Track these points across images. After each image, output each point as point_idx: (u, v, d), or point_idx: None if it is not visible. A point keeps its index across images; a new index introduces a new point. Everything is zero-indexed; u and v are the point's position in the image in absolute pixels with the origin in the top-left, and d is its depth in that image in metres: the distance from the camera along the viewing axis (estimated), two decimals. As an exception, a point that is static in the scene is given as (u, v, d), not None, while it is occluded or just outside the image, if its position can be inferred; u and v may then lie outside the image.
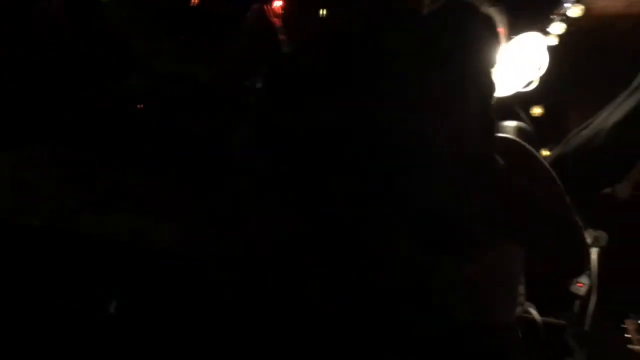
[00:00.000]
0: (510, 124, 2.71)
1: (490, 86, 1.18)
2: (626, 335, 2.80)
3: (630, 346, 2.77)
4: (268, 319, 1.17)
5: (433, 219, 1.08)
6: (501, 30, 1.22)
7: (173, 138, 2.01)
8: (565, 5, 2.93)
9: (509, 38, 1.60)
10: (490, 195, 1.11)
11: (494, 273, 1.22)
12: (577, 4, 2.93)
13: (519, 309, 1.60)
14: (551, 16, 2.95)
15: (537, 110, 3.23)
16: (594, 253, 2.84)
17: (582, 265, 1.40)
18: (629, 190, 2.99)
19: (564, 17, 2.97)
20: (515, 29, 2.62)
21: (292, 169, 1.17)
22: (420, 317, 1.13)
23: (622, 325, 2.83)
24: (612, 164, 2.50)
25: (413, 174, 1.09)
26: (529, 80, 2.68)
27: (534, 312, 2.53)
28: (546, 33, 2.93)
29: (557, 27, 2.97)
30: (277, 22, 2.25)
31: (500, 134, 1.28)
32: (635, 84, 2.56)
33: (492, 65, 1.17)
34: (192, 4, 2.44)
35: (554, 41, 2.95)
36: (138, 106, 2.16)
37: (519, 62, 2.65)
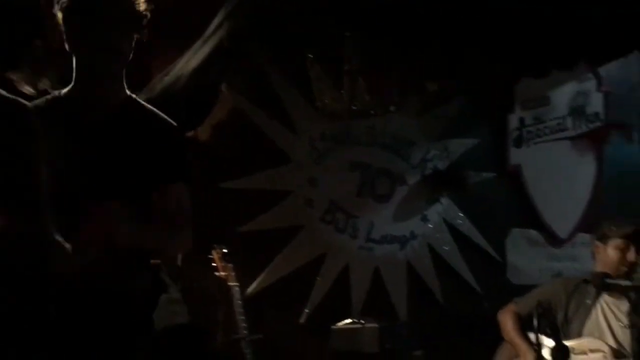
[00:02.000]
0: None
1: None
2: (213, 264, 3.09)
3: (216, 273, 3.07)
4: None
5: None
6: None
7: None
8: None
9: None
10: None
11: None
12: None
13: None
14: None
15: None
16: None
17: None
18: (209, 131, 3.26)
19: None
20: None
21: None
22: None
23: (210, 256, 3.11)
24: (193, 107, 2.67)
25: None
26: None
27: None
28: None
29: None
30: None
31: None
32: (207, 33, 2.76)
33: None
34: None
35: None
36: None
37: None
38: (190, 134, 3.16)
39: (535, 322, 2.37)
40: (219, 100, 3.23)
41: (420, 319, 3.66)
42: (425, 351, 3.18)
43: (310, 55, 3.54)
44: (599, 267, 2.85)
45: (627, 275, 2.77)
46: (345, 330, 3.13)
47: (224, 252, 3.11)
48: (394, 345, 3.01)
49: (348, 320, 3.19)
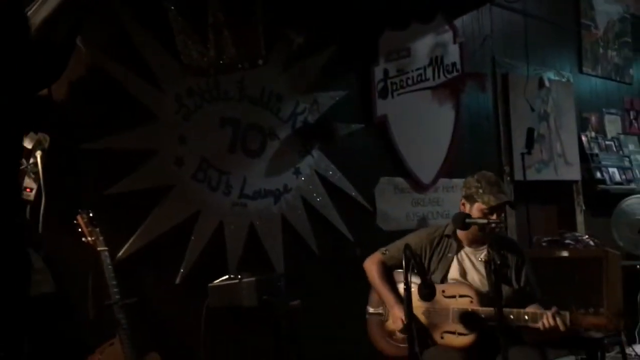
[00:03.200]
0: None
1: None
2: (78, 230, 2.94)
3: (83, 239, 2.93)
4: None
5: None
6: None
7: None
8: None
9: None
10: None
11: None
12: None
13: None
14: None
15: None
16: (37, 156, 2.82)
17: None
18: (66, 89, 3.05)
19: None
20: None
21: None
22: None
23: (74, 221, 2.95)
24: (46, 63, 2.47)
25: None
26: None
27: None
28: None
29: None
30: None
31: None
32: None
33: None
34: None
35: None
36: None
37: None
38: (44, 92, 2.94)
39: (403, 263, 2.49)
40: (74, 55, 3.02)
41: (296, 270, 3.74)
42: (303, 300, 3.26)
43: (172, 8, 3.39)
44: None
45: (465, 227, 2.92)
46: (222, 286, 3.12)
47: (90, 217, 2.97)
48: (272, 297, 3.05)
49: (225, 277, 3.19)
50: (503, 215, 3.01)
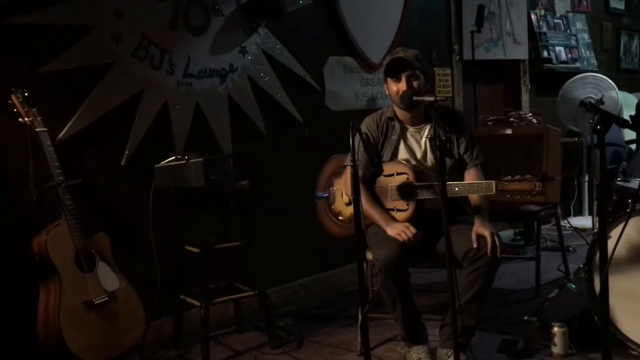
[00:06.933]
0: None
1: None
2: (14, 110, 2.82)
3: (20, 120, 2.82)
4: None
5: None
6: None
7: None
8: None
9: None
10: None
11: None
12: None
13: None
14: None
15: None
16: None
17: None
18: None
19: None
20: None
21: None
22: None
23: (9, 102, 2.83)
24: None
25: None
26: None
27: None
28: None
29: None
30: None
31: None
32: None
33: None
34: None
35: None
36: None
37: None
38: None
39: (351, 141, 2.48)
40: None
41: (244, 151, 3.72)
42: (251, 181, 3.27)
43: None
44: (391, 101, 3.01)
45: (412, 106, 2.88)
46: (169, 167, 3.09)
47: (26, 96, 2.84)
48: (220, 178, 3.04)
49: (172, 158, 3.15)
50: (451, 93, 2.98)
